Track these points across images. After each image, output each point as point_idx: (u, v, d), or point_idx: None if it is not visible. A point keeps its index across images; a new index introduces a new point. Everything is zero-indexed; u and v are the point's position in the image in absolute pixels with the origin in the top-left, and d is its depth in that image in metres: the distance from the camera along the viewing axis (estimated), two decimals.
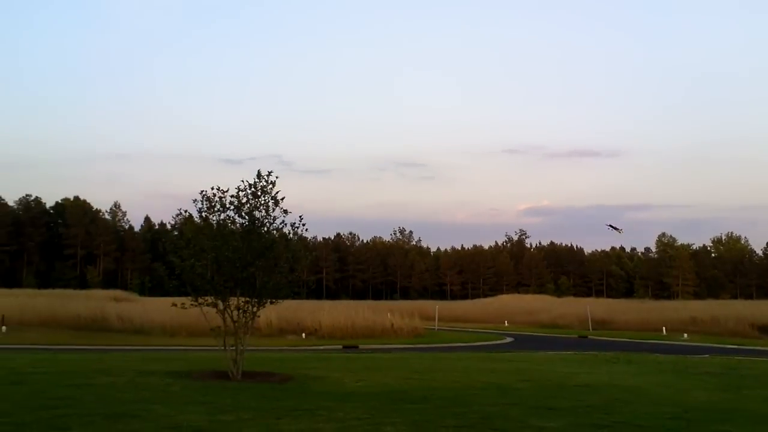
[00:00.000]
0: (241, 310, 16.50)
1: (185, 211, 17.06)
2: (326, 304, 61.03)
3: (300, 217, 16.99)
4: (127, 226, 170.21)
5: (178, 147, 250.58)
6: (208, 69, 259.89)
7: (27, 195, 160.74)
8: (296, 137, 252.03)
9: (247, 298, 16.57)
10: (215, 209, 16.63)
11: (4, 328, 40.96)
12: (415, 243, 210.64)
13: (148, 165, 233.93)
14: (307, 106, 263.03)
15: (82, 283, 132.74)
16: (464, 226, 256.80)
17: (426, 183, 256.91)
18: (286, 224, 16.90)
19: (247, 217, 16.57)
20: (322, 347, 38.95)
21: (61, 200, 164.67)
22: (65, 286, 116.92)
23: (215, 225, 16.68)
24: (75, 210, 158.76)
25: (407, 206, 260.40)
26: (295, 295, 20.33)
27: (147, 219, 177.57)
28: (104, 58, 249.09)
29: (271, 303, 17.01)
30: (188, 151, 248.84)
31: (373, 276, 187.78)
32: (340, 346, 40.12)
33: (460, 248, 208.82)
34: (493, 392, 15.31)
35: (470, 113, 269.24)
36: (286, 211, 16.78)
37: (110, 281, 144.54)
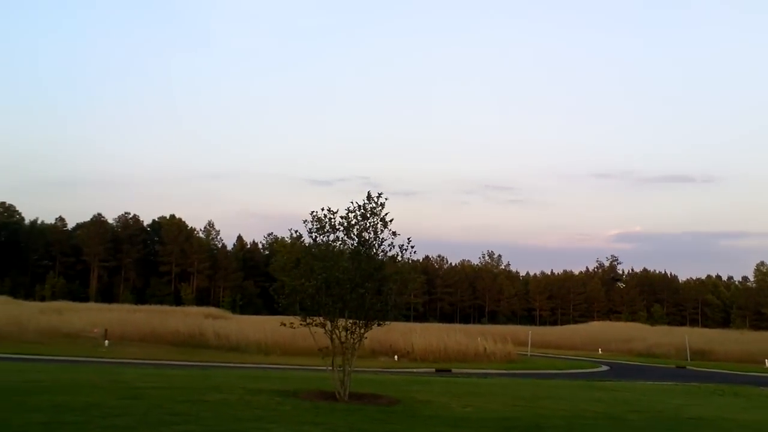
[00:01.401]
0: (348, 332, 16.54)
1: (295, 231, 17.19)
2: (417, 327, 60.84)
3: (408, 239, 16.96)
4: (220, 245, 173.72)
5: (270, 168, 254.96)
6: (299, 90, 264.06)
7: (125, 213, 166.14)
8: (384, 159, 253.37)
9: (355, 320, 16.58)
10: (325, 230, 16.72)
11: (107, 342, 42.08)
12: (503, 267, 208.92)
13: (240, 185, 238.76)
14: (395, 128, 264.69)
15: (177, 300, 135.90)
16: (553, 250, 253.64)
17: (514, 206, 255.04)
18: (394, 246, 16.89)
19: (356, 239, 16.61)
20: (415, 370, 38.78)
21: (158, 218, 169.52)
22: (160, 302, 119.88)
23: (325, 246, 16.75)
24: (171, 228, 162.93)
25: (495, 229, 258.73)
26: (404, 318, 20.26)
27: (239, 238, 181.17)
28: (198, 80, 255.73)
29: (379, 325, 17.00)
30: (279, 171, 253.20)
31: (461, 299, 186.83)
32: (433, 370, 39.92)
33: (549, 273, 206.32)
34: (606, 422, 14.97)
35: (560, 137, 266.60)
36: (394, 233, 16.78)
37: (203, 298, 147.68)
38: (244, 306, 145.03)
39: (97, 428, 10.58)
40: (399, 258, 16.98)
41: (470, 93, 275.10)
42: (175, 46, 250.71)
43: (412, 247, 16.99)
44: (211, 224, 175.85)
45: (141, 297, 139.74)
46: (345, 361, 16.58)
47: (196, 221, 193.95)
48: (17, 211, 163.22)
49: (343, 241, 16.73)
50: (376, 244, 16.72)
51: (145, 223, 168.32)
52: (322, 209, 16.78)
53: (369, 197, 16.60)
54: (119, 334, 45.12)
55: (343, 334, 16.53)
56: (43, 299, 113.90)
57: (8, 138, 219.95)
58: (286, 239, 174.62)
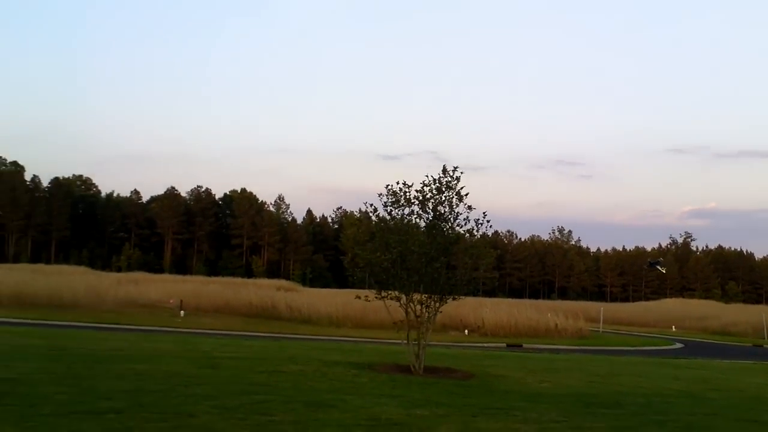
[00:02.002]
0: (423, 306, 16.51)
1: (370, 205, 17.14)
2: (487, 302, 60.61)
3: (484, 213, 16.83)
4: (290, 219, 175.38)
5: (338, 142, 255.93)
6: (368, 64, 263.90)
7: (198, 186, 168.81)
8: (453, 134, 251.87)
9: (430, 294, 16.55)
10: (400, 204, 16.67)
11: (182, 312, 42.95)
12: (574, 242, 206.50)
13: (310, 159, 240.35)
14: (464, 102, 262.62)
15: (248, 272, 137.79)
16: (625, 226, 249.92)
17: (585, 182, 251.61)
18: (469, 221, 16.77)
19: (431, 213, 16.53)
20: (485, 344, 38.66)
21: (229, 192, 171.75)
22: (231, 274, 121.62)
23: (400, 219, 16.72)
24: (242, 201, 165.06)
25: (566, 205, 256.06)
26: (478, 293, 20.12)
27: (309, 212, 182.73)
28: (269, 54, 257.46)
29: (453, 299, 16.95)
30: (348, 146, 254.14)
31: (531, 275, 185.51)
32: (504, 345, 39.72)
33: (621, 249, 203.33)
34: (686, 400, 14.68)
35: (634, 111, 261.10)
36: (470, 207, 16.66)
37: (273, 271, 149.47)
38: (313, 279, 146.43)
39: (179, 396, 10.75)
40: (474, 233, 16.86)
41: (541, 67, 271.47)
42: (248, 17, 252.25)
43: (488, 221, 16.87)
44: (281, 198, 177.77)
45: (213, 269, 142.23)
46: (420, 335, 16.58)
47: (267, 196, 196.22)
48: (94, 184, 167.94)
49: (418, 215, 16.68)
50: (451, 218, 16.63)
51: (217, 197, 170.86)
52: (397, 183, 16.73)
53: (444, 171, 16.49)
54: (194, 305, 45.98)
55: (418, 308, 16.51)
56: (119, 270, 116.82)
57: (85, 114, 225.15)
58: (356, 213, 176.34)
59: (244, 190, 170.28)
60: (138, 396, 10.51)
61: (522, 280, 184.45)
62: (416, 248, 15.93)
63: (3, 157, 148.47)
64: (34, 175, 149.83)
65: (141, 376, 12.69)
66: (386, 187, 16.71)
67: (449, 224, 16.63)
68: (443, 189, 16.50)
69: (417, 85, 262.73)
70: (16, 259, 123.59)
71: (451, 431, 9.39)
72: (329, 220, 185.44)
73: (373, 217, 17.06)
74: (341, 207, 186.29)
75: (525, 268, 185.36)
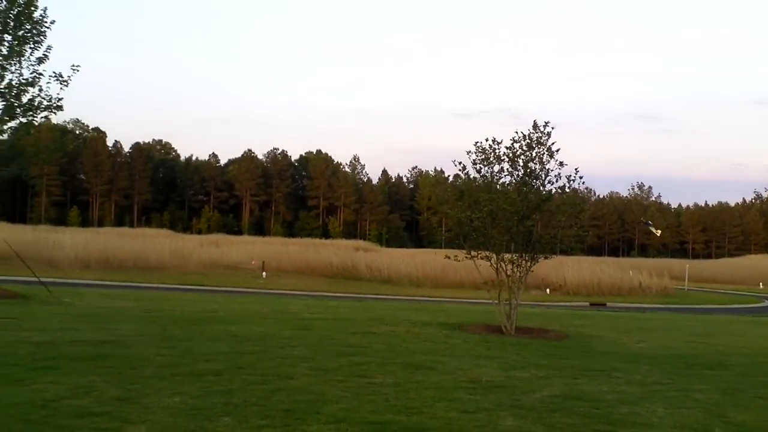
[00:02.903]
0: (515, 265, 16.18)
1: (459, 163, 16.77)
2: (568, 260, 59.81)
3: (576, 169, 16.32)
4: (365, 179, 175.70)
5: (412, 102, 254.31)
6: (440, 22, 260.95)
7: (274, 148, 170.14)
8: (528, 90, 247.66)
9: (521, 253, 16.20)
10: (489, 161, 16.27)
11: (264, 273, 43.46)
12: (654, 199, 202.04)
13: (384, 120, 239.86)
14: (537, 57, 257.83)
15: (324, 233, 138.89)
16: (706, 181, 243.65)
17: (665, 136, 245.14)
18: (561, 177, 16.30)
19: (522, 170, 16.10)
20: (568, 303, 38.19)
21: (305, 154, 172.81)
22: (308, 235, 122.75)
23: (490, 177, 16.34)
24: (318, 163, 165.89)
25: (645, 161, 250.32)
26: (571, 251, 19.64)
27: (384, 172, 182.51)
28: (340, 17, 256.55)
29: (545, 258, 16.57)
30: (421, 105, 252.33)
31: (610, 232, 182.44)
32: (587, 304, 39.16)
33: (703, 205, 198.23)
34: None
35: (713, 62, 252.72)
36: (561, 164, 16.18)
37: (349, 232, 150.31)
38: (389, 239, 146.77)
39: (277, 358, 10.72)
40: (567, 189, 16.38)
41: (616, 17, 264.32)
42: None
43: (580, 177, 16.38)
44: (356, 158, 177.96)
45: (290, 230, 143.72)
46: (511, 295, 16.27)
47: (342, 157, 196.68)
48: (174, 148, 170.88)
49: (509, 172, 16.26)
50: (542, 175, 16.18)
51: (293, 159, 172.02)
52: (486, 140, 16.34)
53: (535, 126, 16.03)
54: (275, 266, 46.49)
55: (509, 267, 16.19)
56: (199, 232, 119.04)
57: (164, 79, 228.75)
58: (431, 173, 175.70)
59: (319, 152, 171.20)
60: (236, 358, 10.52)
61: (601, 238, 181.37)
62: (507, 206, 15.55)
63: (85, 123, 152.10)
64: (116, 140, 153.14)
65: (236, 338, 12.73)
66: (475, 144, 16.35)
67: (540, 181, 16.18)
68: (534, 145, 16.04)
69: (490, 40, 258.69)
70: (100, 223, 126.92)
71: (554, 393, 9.12)
72: (404, 179, 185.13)
73: (462, 175, 16.71)
74: (416, 167, 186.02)
75: (604, 225, 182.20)
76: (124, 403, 7.42)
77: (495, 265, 16.26)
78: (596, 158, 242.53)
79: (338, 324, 15.99)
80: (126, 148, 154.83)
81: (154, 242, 52.71)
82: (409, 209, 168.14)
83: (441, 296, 37.53)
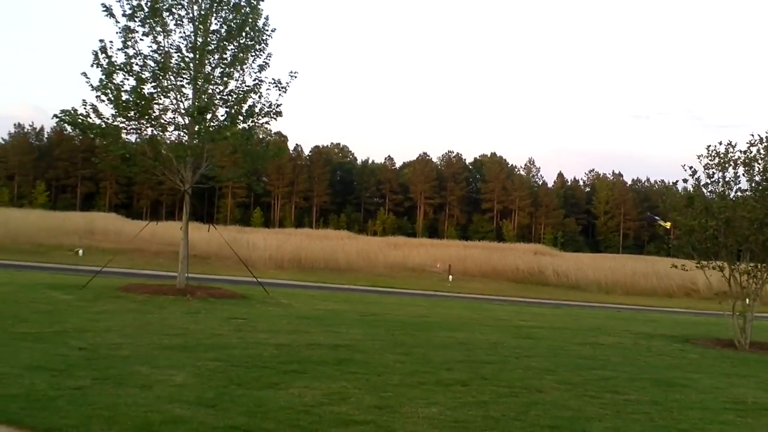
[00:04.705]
0: (751, 276, 15.12)
1: (690, 168, 15.83)
2: None
3: None
4: (540, 182, 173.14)
5: (586, 103, 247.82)
6: (615, 22, 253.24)
7: (449, 151, 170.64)
8: (709, 89, 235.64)
9: (758, 263, 15.13)
10: (724, 166, 15.27)
11: (450, 277, 43.36)
12: None
13: (558, 121, 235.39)
14: (720, 53, 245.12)
15: (498, 236, 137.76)
16: None
17: None
18: None
19: (759, 175, 15.01)
20: None
21: (479, 156, 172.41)
22: (482, 238, 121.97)
23: (723, 182, 15.35)
24: (492, 166, 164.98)
25: None
26: None
27: (560, 175, 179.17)
28: (518, 18, 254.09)
29: None
30: (595, 106, 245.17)
31: None
32: None
33: None
34: None
35: None
36: None
37: (523, 235, 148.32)
38: (565, 243, 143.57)
39: (517, 369, 10.46)
40: None
41: None
42: None
43: None
44: (531, 161, 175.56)
45: (464, 233, 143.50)
46: (745, 308, 15.23)
47: (516, 158, 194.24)
48: (350, 151, 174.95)
49: (749, 177, 15.18)
50: None
51: (467, 162, 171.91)
52: (720, 143, 15.36)
53: None
54: (460, 269, 46.22)
55: (744, 278, 15.15)
56: (374, 234, 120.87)
57: (337, 85, 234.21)
58: (608, 176, 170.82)
59: (494, 155, 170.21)
60: (475, 367, 10.32)
61: None
62: (746, 213, 14.53)
63: (269, 127, 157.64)
64: (296, 144, 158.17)
65: (465, 346, 12.54)
66: (707, 148, 15.40)
67: None
68: None
69: (667, 37, 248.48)
70: (281, 224, 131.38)
71: None
72: (580, 182, 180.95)
73: (691, 180, 15.79)
74: (593, 169, 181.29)
75: None
76: (384, 412, 7.35)
77: (728, 276, 15.25)
78: None
79: (558, 333, 15.54)
80: (306, 152, 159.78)
81: (342, 244, 53.73)
82: (585, 213, 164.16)
83: (635, 304, 36.12)
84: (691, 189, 15.89)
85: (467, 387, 8.96)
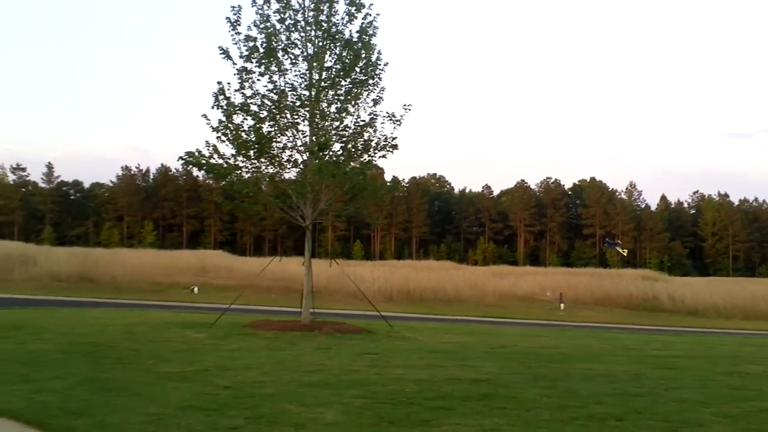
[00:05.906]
0: None
1: None
2: None
3: None
4: (643, 206, 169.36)
5: (682, 123, 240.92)
6: (709, 33, 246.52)
7: (547, 177, 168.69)
8: None
9: None
10: None
11: (562, 305, 42.58)
12: None
13: (656, 143, 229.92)
14: None
15: (602, 262, 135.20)
16: None
17: None
18: None
19: None
20: None
21: (578, 182, 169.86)
22: (585, 264, 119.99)
23: None
24: (592, 191, 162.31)
25: None
26: None
27: (663, 197, 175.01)
28: (608, 32, 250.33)
29: None
30: (692, 127, 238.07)
31: None
32: None
33: None
34: None
35: None
36: None
37: (627, 260, 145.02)
38: (671, 267, 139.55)
39: (669, 402, 10.10)
40: None
41: None
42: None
43: None
44: (632, 185, 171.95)
45: (566, 260, 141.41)
46: None
47: (616, 182, 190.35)
48: (448, 181, 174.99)
49: None
50: None
51: (566, 187, 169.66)
52: None
53: None
54: (570, 297, 45.35)
55: None
56: (475, 264, 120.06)
57: (435, 115, 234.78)
58: (714, 197, 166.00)
59: (593, 179, 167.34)
60: (626, 400, 10.02)
61: None
62: None
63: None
64: (393, 176, 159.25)
65: (608, 378, 12.16)
66: None
67: None
68: None
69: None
70: (381, 256, 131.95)
71: None
72: (685, 205, 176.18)
73: None
74: (698, 191, 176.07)
75: None
76: None
77: None
78: None
79: (697, 362, 14.98)
80: (404, 183, 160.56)
81: (449, 274, 53.50)
82: (691, 236, 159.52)
83: (759, 329, 34.73)
84: None
85: (623, 422, 8.71)
